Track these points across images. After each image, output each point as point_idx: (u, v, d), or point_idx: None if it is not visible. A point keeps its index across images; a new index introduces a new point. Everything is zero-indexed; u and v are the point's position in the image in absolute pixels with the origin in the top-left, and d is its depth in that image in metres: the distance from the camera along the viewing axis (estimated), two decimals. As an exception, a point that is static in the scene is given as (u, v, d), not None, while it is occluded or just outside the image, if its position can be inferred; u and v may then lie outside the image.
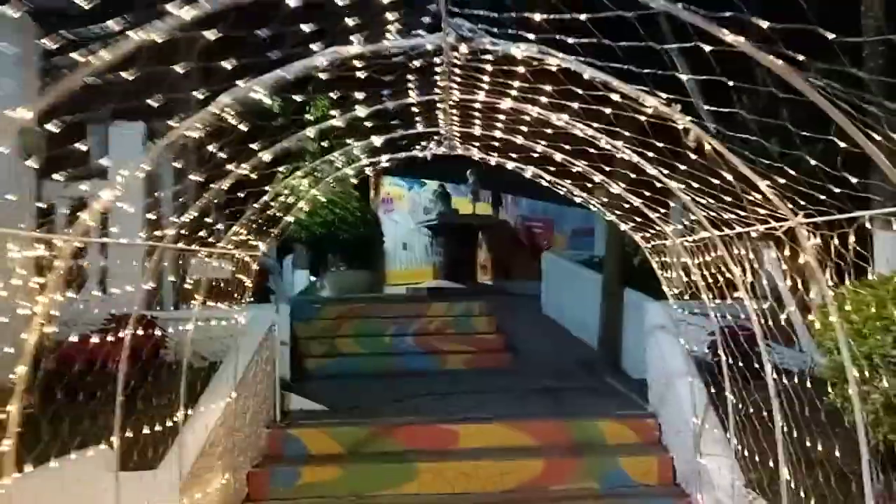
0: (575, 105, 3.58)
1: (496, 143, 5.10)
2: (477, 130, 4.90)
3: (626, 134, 3.80)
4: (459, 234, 19.13)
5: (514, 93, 3.75)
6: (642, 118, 3.34)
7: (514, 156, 5.23)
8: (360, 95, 3.73)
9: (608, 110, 3.44)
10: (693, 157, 3.54)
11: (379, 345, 11.73)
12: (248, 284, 6.02)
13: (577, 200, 5.84)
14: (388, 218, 21.65)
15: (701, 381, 6.32)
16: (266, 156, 4.45)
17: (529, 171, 5.73)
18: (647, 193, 4.65)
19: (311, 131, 4.69)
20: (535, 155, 5.07)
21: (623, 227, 5.92)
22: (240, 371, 6.40)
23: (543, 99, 3.70)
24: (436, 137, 5.30)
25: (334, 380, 10.17)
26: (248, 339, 6.91)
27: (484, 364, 11.15)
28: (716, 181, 3.84)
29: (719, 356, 5.70)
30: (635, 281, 10.72)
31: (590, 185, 5.32)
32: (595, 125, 3.82)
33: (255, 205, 4.88)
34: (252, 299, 6.22)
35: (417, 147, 5.44)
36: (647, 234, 5.65)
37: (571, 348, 11.48)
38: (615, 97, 3.26)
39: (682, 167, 3.99)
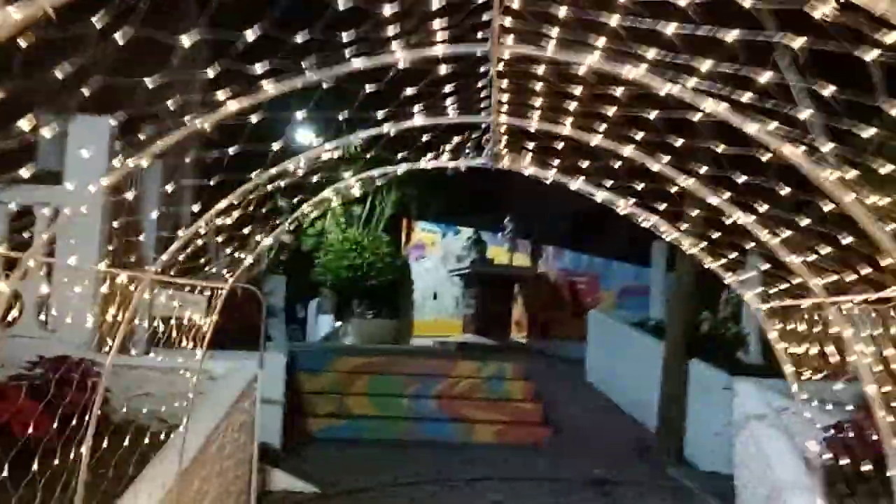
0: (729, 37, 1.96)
1: (559, 145, 3.50)
2: (534, 122, 3.32)
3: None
4: (493, 285, 17.41)
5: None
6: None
7: (583, 165, 3.62)
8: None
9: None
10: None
11: (396, 407, 10.05)
12: (203, 326, 4.44)
13: (668, 239, 4.17)
14: (419, 265, 20.12)
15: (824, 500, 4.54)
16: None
17: (601, 195, 4.10)
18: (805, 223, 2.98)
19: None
20: (616, 165, 3.46)
21: (728, 278, 4.22)
22: (196, 443, 4.77)
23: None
24: (474, 136, 3.73)
25: (339, 447, 8.52)
26: (213, 399, 5.31)
27: (518, 439, 9.37)
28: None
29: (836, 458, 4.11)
30: (701, 350, 8.98)
31: (694, 213, 3.68)
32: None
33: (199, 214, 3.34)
34: (202, 345, 4.56)
35: (447, 149, 3.87)
36: (771, 291, 3.96)
37: (623, 427, 9.63)
38: None
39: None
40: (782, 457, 5.10)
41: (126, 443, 4.78)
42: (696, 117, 2.67)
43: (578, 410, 10.05)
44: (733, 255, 3.77)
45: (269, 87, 2.61)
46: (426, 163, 4.15)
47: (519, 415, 9.97)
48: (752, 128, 2.58)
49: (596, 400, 10.59)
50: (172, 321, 4.54)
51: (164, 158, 7.14)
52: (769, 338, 4.34)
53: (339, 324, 19.58)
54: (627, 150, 3.29)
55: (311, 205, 4.35)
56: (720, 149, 2.76)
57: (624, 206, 4.11)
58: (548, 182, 4.22)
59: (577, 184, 4.12)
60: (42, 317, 5.96)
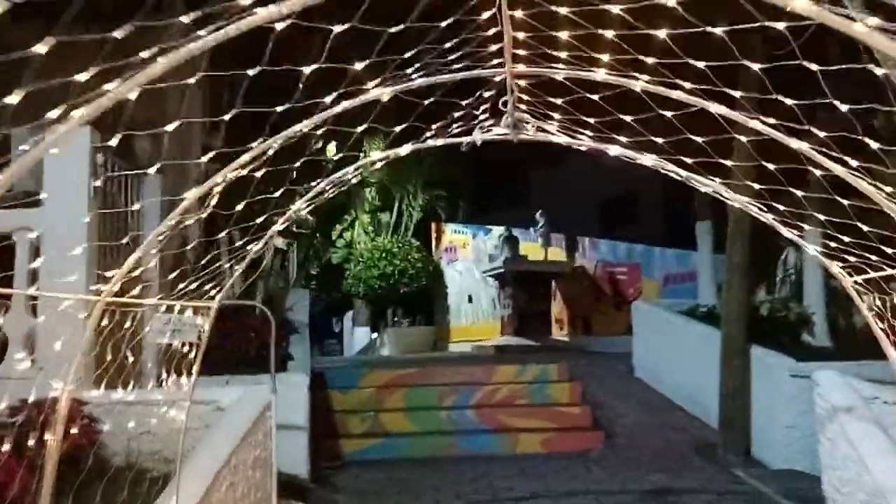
0: None
1: (596, 96, 2.81)
2: (560, 68, 2.63)
3: None
4: (529, 283, 16.65)
5: None
6: None
7: (627, 119, 2.92)
8: None
9: None
10: None
11: (434, 421, 9.38)
12: (189, 353, 3.82)
13: (736, 204, 3.45)
14: (452, 268, 19.47)
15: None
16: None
17: (648, 159, 3.40)
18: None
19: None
20: (668, 113, 2.75)
21: (810, 250, 3.48)
22: (200, 487, 4.15)
23: None
24: (489, 95, 3.06)
25: (374, 469, 7.87)
26: (219, 434, 4.69)
27: (567, 446, 8.63)
28: None
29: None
30: (761, 334, 8.18)
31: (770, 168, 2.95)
32: None
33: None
34: (189, 373, 3.91)
35: (458, 117, 3.20)
36: (864, 262, 3.21)
37: (680, 426, 8.84)
38: None
39: None
40: (882, 456, 4.32)
41: (125, 489, 4.23)
42: (781, 25, 1.97)
43: (630, 410, 9.28)
44: (823, 217, 3.04)
45: (204, 33, 1.98)
46: (433, 139, 3.50)
47: (566, 420, 9.23)
48: (857, 27, 1.87)
49: (648, 397, 9.79)
50: (162, 347, 3.96)
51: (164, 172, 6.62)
52: (865, 315, 3.59)
53: (375, 335, 19.11)
54: (681, 93, 2.59)
55: (306, 201, 3.73)
56: (815, 67, 2.05)
57: (678, 169, 3.41)
58: (584, 150, 3.54)
59: (617, 150, 3.43)
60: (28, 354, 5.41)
